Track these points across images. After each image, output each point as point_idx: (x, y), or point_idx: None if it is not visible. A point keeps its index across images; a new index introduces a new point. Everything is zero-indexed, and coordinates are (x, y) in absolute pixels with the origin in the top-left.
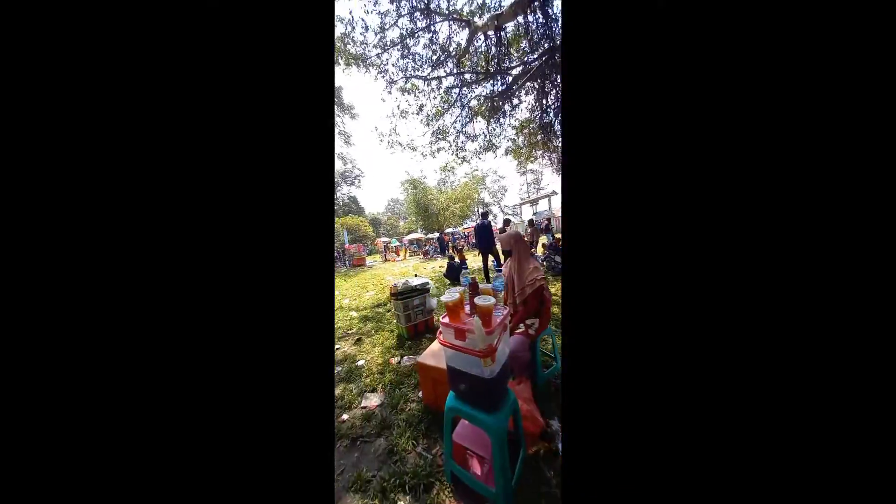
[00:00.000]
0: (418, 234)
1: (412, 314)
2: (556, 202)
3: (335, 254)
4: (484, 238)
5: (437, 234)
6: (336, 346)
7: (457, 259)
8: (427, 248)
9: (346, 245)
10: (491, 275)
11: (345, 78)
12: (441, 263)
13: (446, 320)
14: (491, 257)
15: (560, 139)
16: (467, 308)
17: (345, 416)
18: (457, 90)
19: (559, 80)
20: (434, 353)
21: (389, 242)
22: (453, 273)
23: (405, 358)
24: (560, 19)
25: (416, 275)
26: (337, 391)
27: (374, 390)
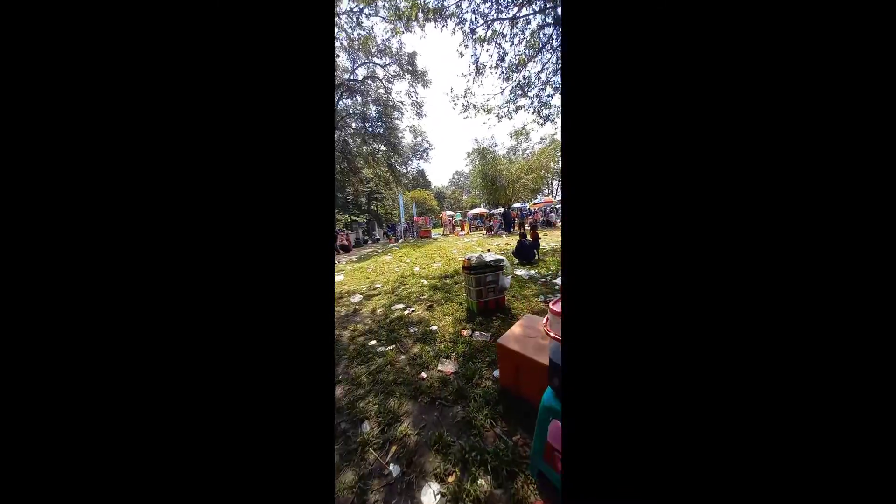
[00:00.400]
0: (481, 209)
1: (483, 290)
2: None
3: (405, 225)
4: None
5: (502, 210)
6: (411, 309)
7: (528, 237)
8: (491, 223)
9: (415, 217)
10: None
11: (418, 42)
12: (507, 241)
13: (557, 308)
14: None
15: None
16: None
17: (423, 375)
18: (549, 29)
19: None
20: (517, 338)
21: (454, 216)
22: (524, 252)
23: (476, 333)
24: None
25: (488, 250)
26: (415, 350)
27: (447, 356)
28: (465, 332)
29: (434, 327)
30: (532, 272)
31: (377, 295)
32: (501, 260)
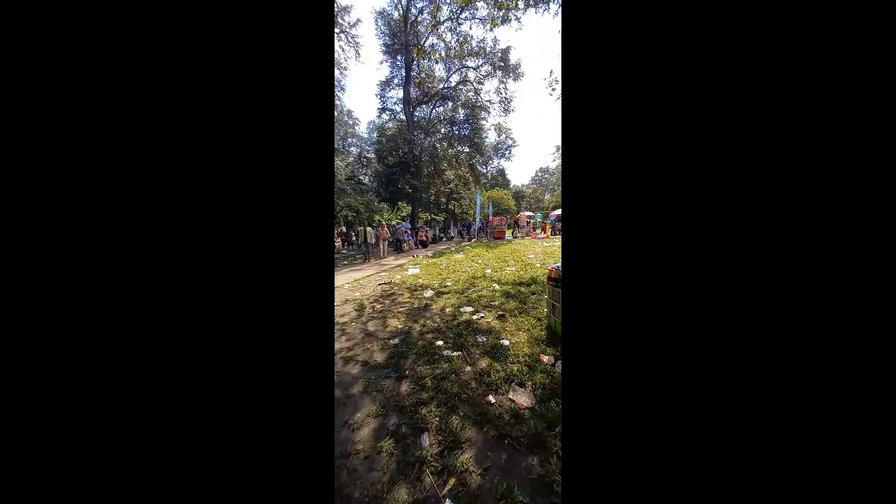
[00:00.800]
0: (560, 211)
1: None
2: None
3: (479, 224)
4: None
5: None
6: (480, 314)
7: None
8: None
9: (491, 217)
10: None
11: (512, 35)
12: None
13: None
14: None
15: None
16: None
17: (491, 399)
18: None
19: None
20: None
21: (533, 217)
22: None
23: (559, 363)
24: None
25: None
26: (483, 364)
27: (521, 384)
28: (544, 358)
29: (505, 342)
30: None
31: (447, 293)
32: None
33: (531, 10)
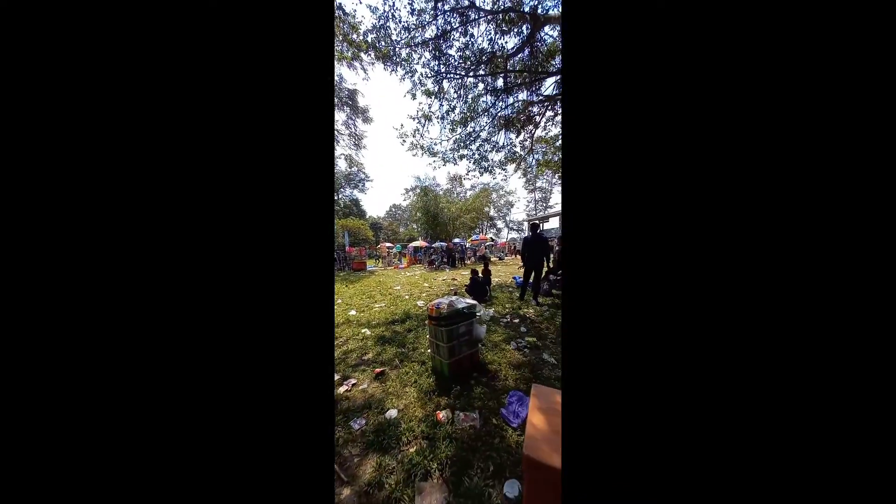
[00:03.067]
0: (419, 242)
1: (457, 345)
2: None
3: (335, 256)
4: (538, 253)
5: (443, 244)
6: (350, 382)
7: (480, 273)
8: (433, 257)
9: (348, 248)
10: (538, 297)
11: (359, 80)
12: (452, 276)
13: None
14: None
15: None
16: None
17: None
18: (488, 97)
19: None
20: (546, 437)
21: (392, 248)
22: (478, 290)
23: (460, 415)
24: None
25: (455, 292)
26: (368, 471)
27: (426, 474)
28: (441, 416)
29: (392, 412)
30: (490, 311)
31: None
32: (475, 305)
33: (379, 65)
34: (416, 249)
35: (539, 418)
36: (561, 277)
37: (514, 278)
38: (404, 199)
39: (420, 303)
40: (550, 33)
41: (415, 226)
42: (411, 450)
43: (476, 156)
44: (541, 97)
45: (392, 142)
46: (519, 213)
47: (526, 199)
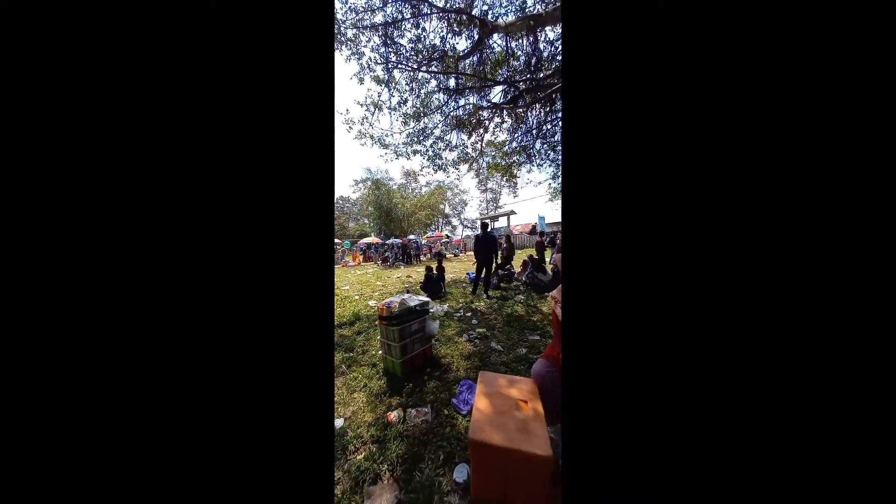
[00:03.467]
0: (371, 238)
1: (409, 343)
2: (514, 220)
3: None
4: (488, 249)
5: (397, 241)
6: None
7: (435, 269)
8: (387, 254)
9: None
10: (489, 290)
11: None
12: (408, 272)
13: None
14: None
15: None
16: None
17: None
18: (441, 96)
19: (537, 112)
20: (491, 419)
21: (340, 244)
22: (432, 286)
23: (412, 412)
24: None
25: (407, 290)
26: None
27: (376, 478)
28: (392, 417)
29: (338, 422)
30: (445, 307)
31: None
32: (427, 302)
33: None
34: (369, 246)
35: (484, 402)
36: (507, 272)
37: (468, 274)
38: (353, 192)
39: (372, 303)
40: (500, 42)
41: (366, 221)
42: (359, 457)
43: (430, 153)
44: (489, 104)
45: (337, 127)
46: (473, 212)
47: (479, 198)
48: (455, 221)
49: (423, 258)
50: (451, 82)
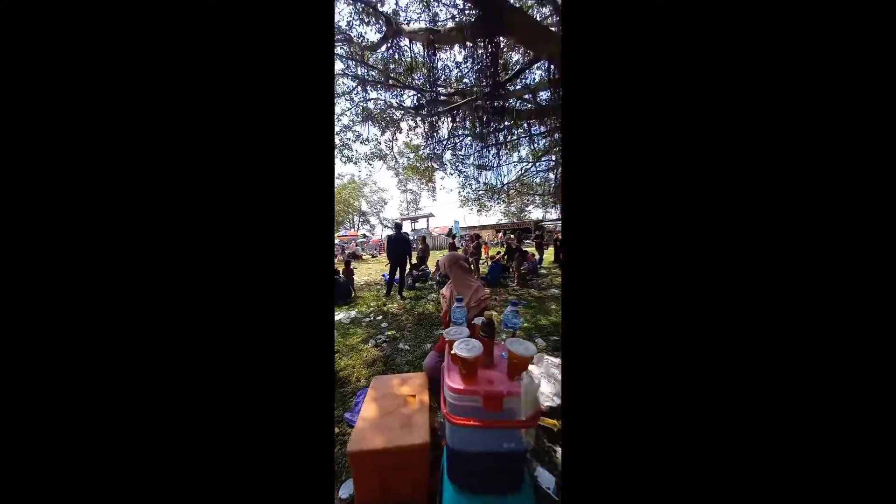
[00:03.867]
0: None
1: None
2: (433, 223)
3: None
4: (401, 250)
5: None
6: None
7: (341, 274)
8: None
9: None
10: (403, 291)
11: None
12: None
13: (457, 385)
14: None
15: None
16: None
17: None
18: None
19: (451, 121)
20: (376, 424)
21: None
22: (339, 291)
23: None
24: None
25: None
26: None
27: None
28: None
29: None
30: (352, 313)
31: None
32: None
33: None
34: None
35: (371, 408)
36: (422, 273)
37: (383, 275)
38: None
39: None
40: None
41: None
42: None
43: (338, 142)
44: (399, 105)
45: None
46: (393, 212)
47: (399, 199)
48: (374, 220)
49: (335, 258)
50: (360, 70)
